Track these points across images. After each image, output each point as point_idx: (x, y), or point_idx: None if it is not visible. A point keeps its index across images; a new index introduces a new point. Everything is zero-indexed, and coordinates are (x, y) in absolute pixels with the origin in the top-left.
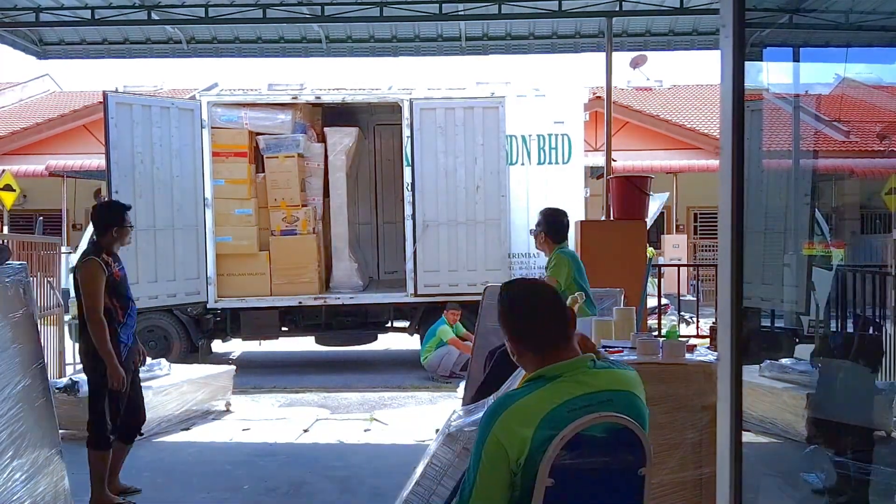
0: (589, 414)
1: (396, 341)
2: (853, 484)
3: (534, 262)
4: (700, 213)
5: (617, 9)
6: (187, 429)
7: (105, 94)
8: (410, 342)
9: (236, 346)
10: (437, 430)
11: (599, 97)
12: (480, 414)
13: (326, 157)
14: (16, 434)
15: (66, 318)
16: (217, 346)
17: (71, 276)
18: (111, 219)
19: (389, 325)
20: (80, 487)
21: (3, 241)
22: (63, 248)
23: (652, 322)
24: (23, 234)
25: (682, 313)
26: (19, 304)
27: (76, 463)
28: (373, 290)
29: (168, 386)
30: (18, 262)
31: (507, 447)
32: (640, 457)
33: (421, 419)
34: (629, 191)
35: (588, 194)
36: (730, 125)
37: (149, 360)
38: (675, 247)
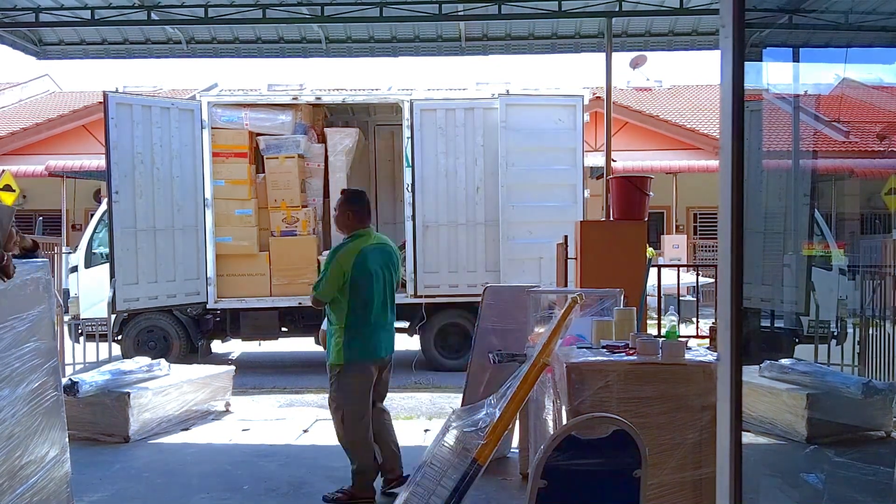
0: (379, 255)
1: (396, 341)
2: None
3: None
4: (700, 214)
5: (617, 9)
6: (187, 429)
7: (105, 95)
8: (410, 342)
9: (236, 347)
10: (427, 430)
11: (599, 97)
12: (480, 414)
13: (327, 157)
14: (27, 432)
15: (66, 318)
16: (217, 346)
17: (70, 275)
18: None
19: None
20: (80, 487)
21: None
22: (63, 249)
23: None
24: (22, 235)
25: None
26: (38, 301)
27: (77, 463)
28: None
29: (168, 386)
30: (41, 259)
31: (343, 266)
32: (635, 459)
33: (421, 419)
34: (629, 191)
35: (588, 194)
36: (730, 125)
37: (148, 359)
38: (675, 247)
